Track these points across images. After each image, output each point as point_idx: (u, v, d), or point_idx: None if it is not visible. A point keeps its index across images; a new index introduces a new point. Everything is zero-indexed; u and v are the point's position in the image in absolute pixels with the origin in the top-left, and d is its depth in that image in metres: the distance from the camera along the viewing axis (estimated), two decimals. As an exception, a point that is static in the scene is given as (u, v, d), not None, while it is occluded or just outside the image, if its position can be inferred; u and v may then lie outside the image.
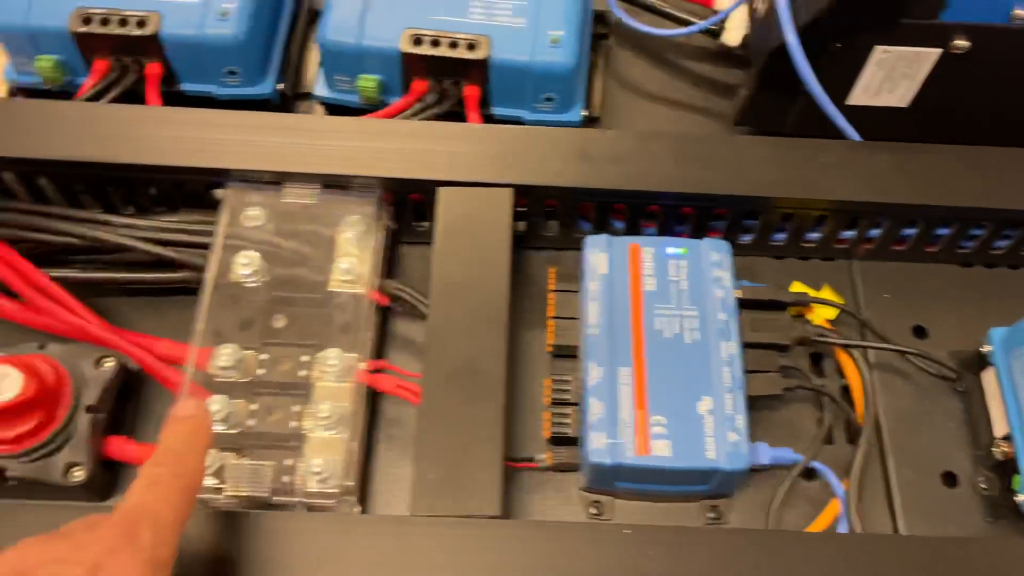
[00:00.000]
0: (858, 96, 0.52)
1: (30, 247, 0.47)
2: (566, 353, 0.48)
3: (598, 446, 0.41)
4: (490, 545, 0.37)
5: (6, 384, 0.38)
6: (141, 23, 0.50)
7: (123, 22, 0.50)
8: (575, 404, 0.45)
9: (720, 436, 0.41)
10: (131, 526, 0.30)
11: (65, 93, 0.53)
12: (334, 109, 0.55)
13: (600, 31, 0.60)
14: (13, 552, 0.29)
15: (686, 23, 0.59)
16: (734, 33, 0.57)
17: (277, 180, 0.47)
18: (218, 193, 0.48)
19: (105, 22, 0.50)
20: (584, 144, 0.47)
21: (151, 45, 0.50)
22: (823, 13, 0.47)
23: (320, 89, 0.54)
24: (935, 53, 0.49)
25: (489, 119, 0.53)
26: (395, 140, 0.47)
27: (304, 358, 0.44)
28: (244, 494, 0.40)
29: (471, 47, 0.50)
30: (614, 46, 0.62)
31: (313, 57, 0.60)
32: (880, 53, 0.49)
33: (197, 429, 0.35)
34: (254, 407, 0.43)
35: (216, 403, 0.42)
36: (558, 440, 0.44)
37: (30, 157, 0.46)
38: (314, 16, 0.61)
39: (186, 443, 0.34)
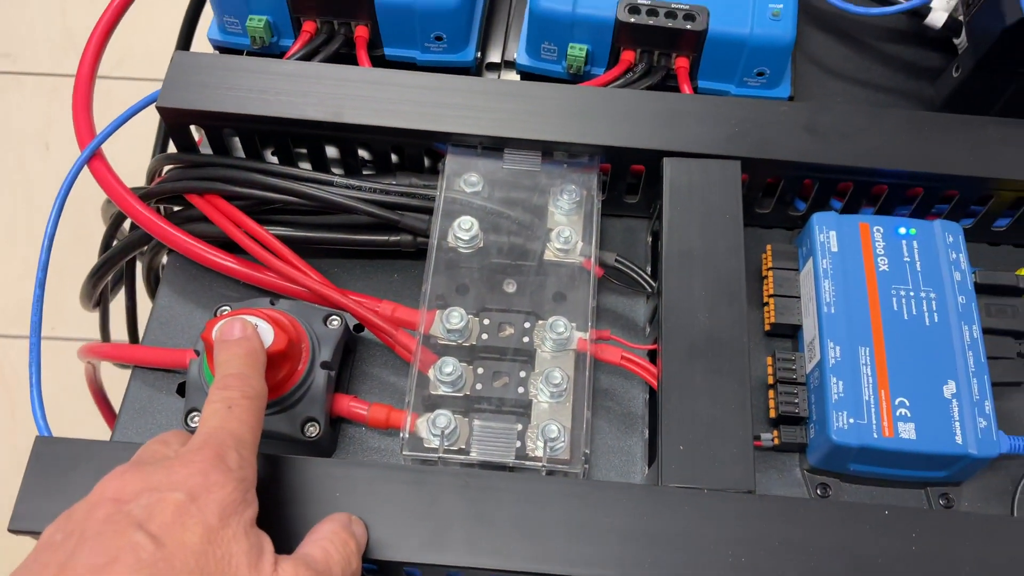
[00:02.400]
0: (1081, 80, 0.51)
1: (246, 205, 0.47)
2: (784, 332, 0.47)
3: (842, 425, 0.40)
4: (743, 521, 0.37)
5: (259, 334, 0.38)
6: (356, -16, 0.50)
7: (338, -16, 0.50)
8: (801, 383, 0.44)
9: (968, 421, 0.40)
10: (218, 450, 0.31)
11: (269, 54, 0.53)
12: (530, 78, 0.54)
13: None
14: (112, 481, 0.30)
15: (887, 2, 0.58)
16: (940, 14, 0.56)
17: (497, 146, 0.47)
18: (440, 160, 0.47)
19: (320, -17, 0.50)
20: (812, 118, 0.46)
21: (362, 7, 0.50)
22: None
23: (522, 57, 0.53)
24: None
25: (694, 92, 0.52)
26: (616, 109, 0.46)
27: (526, 325, 0.44)
28: (488, 459, 0.40)
29: (690, 17, 0.49)
30: (802, 23, 0.60)
31: (500, 26, 0.59)
32: (1119, 34, 0.47)
33: (252, 350, 0.35)
34: (480, 371, 0.43)
35: (448, 365, 0.42)
36: (784, 419, 0.43)
37: (252, 114, 0.46)
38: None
39: (247, 365, 0.35)
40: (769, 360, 0.45)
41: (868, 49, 0.59)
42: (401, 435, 0.41)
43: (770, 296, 0.46)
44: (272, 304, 0.43)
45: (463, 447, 0.41)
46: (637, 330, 0.47)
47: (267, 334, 0.38)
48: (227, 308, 0.44)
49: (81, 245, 0.66)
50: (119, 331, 0.62)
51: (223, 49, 0.55)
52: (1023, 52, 0.47)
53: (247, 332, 0.36)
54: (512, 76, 0.55)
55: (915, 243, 0.45)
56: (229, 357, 0.35)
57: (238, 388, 0.33)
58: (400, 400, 0.44)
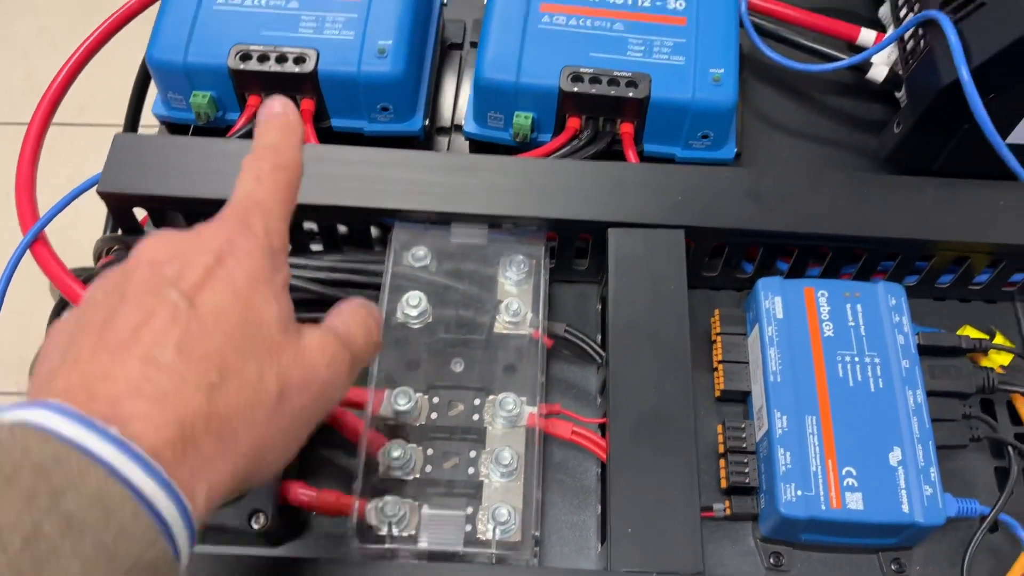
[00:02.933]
0: (1019, 134, 0.51)
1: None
2: (735, 397, 0.47)
3: (790, 498, 0.40)
4: (693, 602, 0.37)
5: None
6: (299, 60, 0.50)
7: (281, 59, 0.50)
8: (751, 452, 0.44)
9: (914, 489, 0.40)
10: (244, 216, 0.32)
11: (215, 128, 0.53)
12: (479, 145, 0.54)
13: (737, 64, 0.59)
14: (147, 245, 0.31)
15: (826, 56, 0.58)
16: (881, 69, 0.57)
17: (444, 220, 0.47)
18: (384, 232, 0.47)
19: (263, 59, 0.50)
20: (755, 184, 0.46)
21: (307, 82, 0.50)
22: (1000, 53, 0.46)
23: (469, 125, 0.53)
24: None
25: (640, 155, 0.52)
26: (561, 180, 0.47)
27: (476, 402, 0.44)
28: (437, 548, 0.40)
29: (632, 84, 0.49)
30: (748, 78, 0.61)
31: (449, 91, 0.60)
32: (1051, 92, 0.48)
33: (289, 124, 0.35)
34: (429, 452, 0.43)
35: (397, 448, 0.41)
36: (735, 489, 0.43)
37: (195, 196, 0.46)
38: (445, 48, 0.61)
39: (282, 138, 0.35)
40: (720, 428, 0.45)
41: (813, 103, 0.60)
42: (349, 523, 0.40)
43: (719, 362, 0.47)
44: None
45: (413, 533, 0.40)
46: (590, 399, 0.47)
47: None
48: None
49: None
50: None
51: (168, 124, 0.54)
52: (961, 110, 0.48)
53: (287, 109, 0.36)
54: (462, 141, 0.55)
55: (859, 306, 0.45)
56: (267, 130, 0.35)
57: (269, 160, 0.34)
58: (351, 484, 0.44)
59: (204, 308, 0.29)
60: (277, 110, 0.35)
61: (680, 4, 0.52)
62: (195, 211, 0.47)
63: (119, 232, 0.49)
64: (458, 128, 0.57)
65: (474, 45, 0.61)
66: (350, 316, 0.35)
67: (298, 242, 0.49)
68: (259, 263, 0.31)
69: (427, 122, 0.54)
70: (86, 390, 0.26)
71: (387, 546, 0.40)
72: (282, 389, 0.30)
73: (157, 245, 0.31)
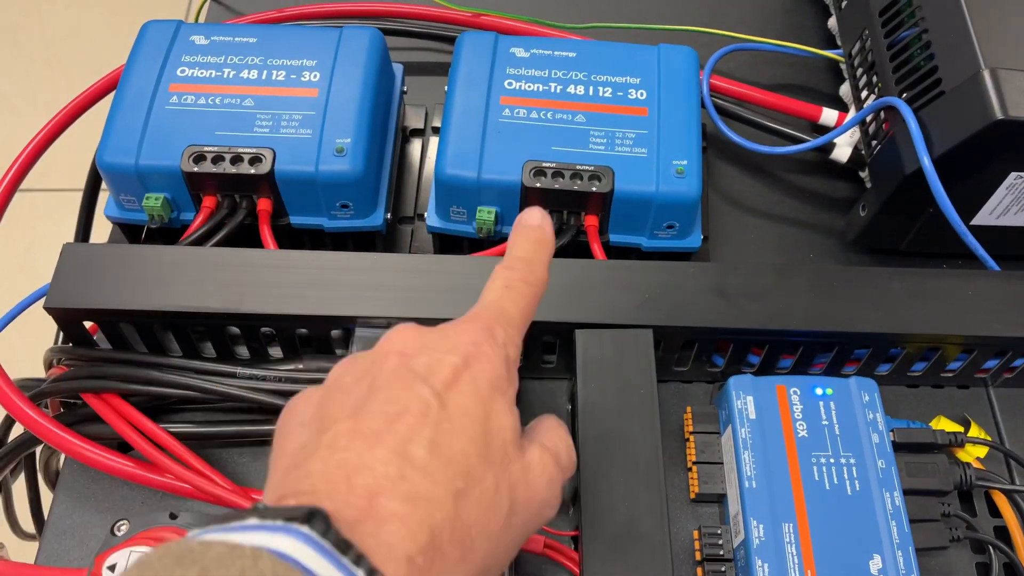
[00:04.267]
0: (982, 217, 0.51)
1: (145, 400, 0.45)
2: (711, 500, 0.46)
3: (770, 613, 0.39)
4: None
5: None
6: (254, 160, 0.48)
7: (236, 160, 0.48)
8: (729, 560, 0.43)
9: (896, 598, 0.39)
10: (490, 322, 0.32)
11: (170, 228, 0.51)
12: (443, 238, 0.53)
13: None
14: (396, 336, 0.32)
15: (789, 137, 0.58)
16: (844, 150, 0.57)
17: (406, 325, 0.45)
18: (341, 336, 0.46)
19: (218, 160, 0.48)
20: (722, 280, 0.46)
21: (264, 183, 0.49)
22: (962, 144, 0.46)
23: (432, 219, 0.52)
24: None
25: (605, 245, 0.51)
26: (525, 280, 0.46)
27: (443, 516, 0.42)
28: None
29: (595, 179, 0.48)
30: (712, 159, 0.61)
31: (411, 179, 0.59)
32: (1013, 178, 0.48)
33: (543, 239, 0.35)
34: (396, 573, 0.41)
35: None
36: (714, 599, 0.42)
37: (146, 309, 0.44)
38: (407, 135, 0.61)
39: (535, 252, 0.35)
40: (696, 534, 0.44)
41: (778, 182, 0.60)
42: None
43: (694, 463, 0.45)
44: (173, 518, 0.41)
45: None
46: (563, 506, 0.46)
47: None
48: (125, 523, 0.42)
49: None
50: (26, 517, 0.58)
51: (122, 225, 0.53)
52: (925, 195, 0.48)
53: (545, 222, 0.36)
54: (426, 232, 0.54)
55: (832, 404, 0.44)
56: (521, 241, 0.35)
57: (520, 271, 0.34)
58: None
59: (453, 409, 0.29)
60: (535, 223, 0.36)
61: (642, 94, 0.52)
62: (147, 323, 0.45)
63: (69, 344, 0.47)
64: (421, 217, 0.56)
65: (436, 131, 0.60)
66: (555, 434, 0.34)
67: (255, 348, 0.47)
68: (500, 371, 0.31)
69: (389, 215, 0.53)
70: (346, 480, 0.26)
71: None
72: (512, 503, 0.29)
73: (406, 337, 0.31)
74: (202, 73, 0.51)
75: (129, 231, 0.53)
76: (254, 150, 0.49)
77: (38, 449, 0.51)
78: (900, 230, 0.53)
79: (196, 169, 0.48)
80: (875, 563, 0.40)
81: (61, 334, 0.47)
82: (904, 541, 0.41)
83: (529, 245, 0.35)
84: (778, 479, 0.42)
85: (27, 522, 0.60)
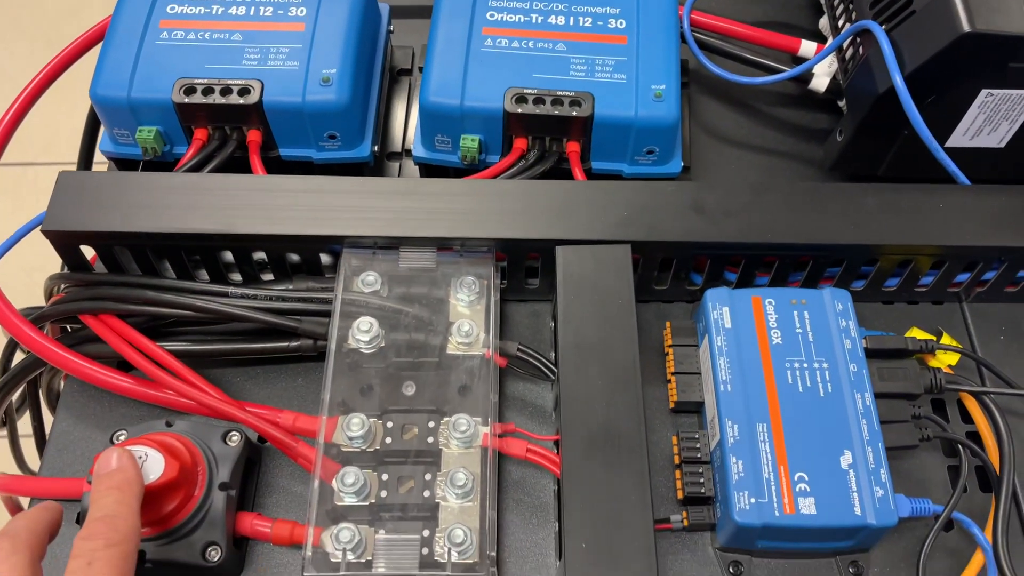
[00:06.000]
0: (956, 138, 0.52)
1: (141, 321, 0.47)
2: (689, 409, 0.47)
3: (743, 506, 0.40)
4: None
5: (149, 466, 0.38)
6: (243, 92, 0.50)
7: (225, 92, 0.50)
8: (706, 462, 0.44)
9: (866, 491, 0.41)
10: None
11: (163, 162, 0.53)
12: (428, 169, 0.55)
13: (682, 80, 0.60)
14: None
15: (769, 69, 0.59)
16: (822, 80, 0.58)
17: (393, 245, 0.47)
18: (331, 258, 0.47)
19: (208, 92, 0.50)
20: (699, 197, 0.47)
21: (253, 114, 0.50)
22: (931, 60, 0.47)
23: (418, 149, 0.53)
24: (1043, 95, 0.49)
25: (588, 173, 0.53)
26: (507, 201, 0.47)
27: (430, 424, 0.44)
28: (393, 573, 0.40)
29: (576, 104, 0.50)
30: (695, 93, 0.62)
31: (399, 116, 0.60)
32: (984, 96, 0.49)
33: (124, 483, 0.34)
34: (384, 477, 0.42)
35: (351, 475, 0.41)
36: (692, 500, 0.44)
37: (141, 231, 0.45)
38: (395, 75, 0.62)
39: (117, 503, 0.33)
40: (675, 439, 0.45)
41: (758, 115, 0.61)
42: (303, 552, 0.40)
43: (672, 374, 0.47)
44: (169, 426, 0.43)
45: (369, 559, 0.40)
46: (546, 415, 0.48)
47: (157, 464, 0.38)
48: (123, 433, 0.43)
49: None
50: (31, 449, 0.60)
51: (117, 160, 0.54)
52: (899, 116, 0.49)
53: (122, 462, 0.35)
54: (413, 166, 0.56)
55: (806, 313, 0.46)
56: (99, 495, 0.33)
57: (102, 536, 0.32)
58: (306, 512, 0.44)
59: None
60: (112, 467, 0.34)
61: (621, 23, 0.53)
62: (141, 246, 0.47)
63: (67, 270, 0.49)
64: (408, 153, 0.57)
65: (422, 70, 0.61)
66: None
67: (247, 272, 0.49)
68: None
69: (376, 148, 0.54)
70: None
71: (342, 573, 0.39)
72: None
73: None
74: (191, 10, 0.53)
75: (124, 166, 0.55)
76: (243, 82, 0.50)
77: (42, 381, 0.53)
78: (877, 154, 0.54)
79: (187, 100, 0.50)
80: (845, 458, 0.42)
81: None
82: (874, 438, 0.42)
83: (110, 499, 0.33)
84: (752, 383, 0.44)
85: (33, 461, 0.62)
